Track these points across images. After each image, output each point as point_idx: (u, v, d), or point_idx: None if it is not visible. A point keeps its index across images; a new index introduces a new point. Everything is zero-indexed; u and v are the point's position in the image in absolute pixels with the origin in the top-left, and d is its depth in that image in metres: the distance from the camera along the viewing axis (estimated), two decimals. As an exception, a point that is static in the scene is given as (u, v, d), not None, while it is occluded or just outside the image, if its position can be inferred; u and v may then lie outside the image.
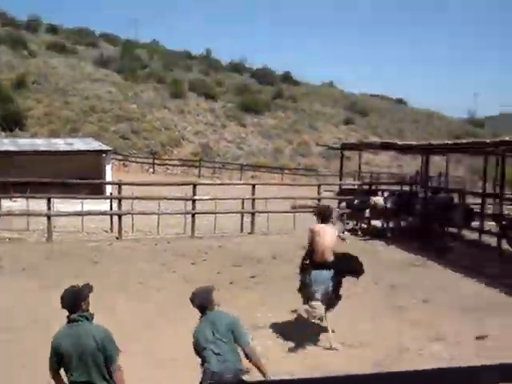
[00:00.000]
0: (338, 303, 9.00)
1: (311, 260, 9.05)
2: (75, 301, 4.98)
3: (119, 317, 9.52)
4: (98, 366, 4.86)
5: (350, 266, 9.27)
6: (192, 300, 5.83)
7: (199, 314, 5.81)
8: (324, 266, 8.77)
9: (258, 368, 5.61)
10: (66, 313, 5.01)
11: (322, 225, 9.19)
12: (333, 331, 8.69)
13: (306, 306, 8.57)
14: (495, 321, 9.79)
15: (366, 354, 8.22)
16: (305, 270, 9.12)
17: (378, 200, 18.75)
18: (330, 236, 9.01)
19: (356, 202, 19.39)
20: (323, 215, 9.36)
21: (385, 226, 19.01)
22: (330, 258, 8.87)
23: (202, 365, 5.59)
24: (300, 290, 9.16)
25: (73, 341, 4.86)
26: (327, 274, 8.72)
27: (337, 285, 8.88)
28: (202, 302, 5.75)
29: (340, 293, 9.03)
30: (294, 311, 9.66)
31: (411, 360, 8.04)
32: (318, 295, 8.52)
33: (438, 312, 10.35)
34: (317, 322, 9.06)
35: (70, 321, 4.99)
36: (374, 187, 22.81)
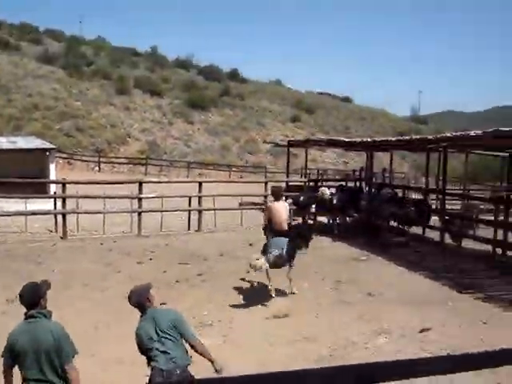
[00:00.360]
0: (292, 264, 11.37)
1: (271, 229, 11.35)
2: (34, 297, 4.94)
3: (63, 318, 9.32)
4: (52, 363, 4.79)
5: (302, 231, 12.54)
6: (129, 298, 5.77)
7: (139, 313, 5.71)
8: (281, 233, 11.13)
9: (208, 358, 5.61)
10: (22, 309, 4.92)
11: (277, 202, 11.62)
12: (290, 280, 11.21)
13: (251, 261, 10.61)
14: (438, 314, 10.00)
15: (311, 348, 8.28)
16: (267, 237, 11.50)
17: (325, 190, 18.98)
18: (284, 210, 11.51)
19: (302, 198, 19.50)
20: (277, 194, 11.89)
21: (331, 222, 19.21)
22: (285, 227, 11.37)
23: (149, 364, 5.52)
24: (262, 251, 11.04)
25: (30, 337, 4.79)
26: (284, 240, 10.97)
27: (291, 250, 11.11)
28: (139, 299, 5.67)
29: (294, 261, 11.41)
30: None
31: (356, 354, 8.14)
32: (270, 256, 10.68)
33: (383, 306, 10.50)
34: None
35: (27, 317, 4.92)
36: (320, 184, 23.00)
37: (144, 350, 5.54)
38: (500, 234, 14.99)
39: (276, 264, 10.94)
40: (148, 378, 5.52)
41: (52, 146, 24.38)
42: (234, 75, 68.78)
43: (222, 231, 18.20)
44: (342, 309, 10.36)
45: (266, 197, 20.03)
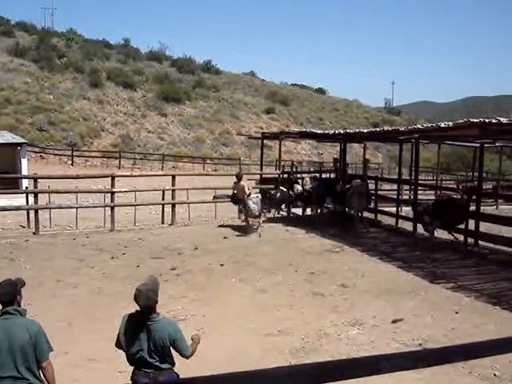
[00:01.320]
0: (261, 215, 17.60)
1: (236, 198, 17.57)
2: (10, 295, 4.88)
3: (35, 315, 9.25)
4: (27, 360, 4.73)
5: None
6: (136, 298, 5.09)
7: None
8: (241, 200, 17.23)
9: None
10: None
11: (238, 182, 17.41)
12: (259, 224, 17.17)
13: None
14: (411, 304, 10.12)
15: (285, 341, 8.30)
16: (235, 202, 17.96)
17: (298, 187, 19.30)
18: (242, 187, 17.19)
19: (278, 195, 19.63)
20: (238, 177, 17.55)
21: (311, 212, 19.41)
22: (242, 196, 17.05)
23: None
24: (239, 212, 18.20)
25: (5, 334, 4.73)
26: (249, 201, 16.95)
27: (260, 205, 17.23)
28: (148, 303, 5.10)
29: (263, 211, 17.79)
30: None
31: (330, 345, 8.19)
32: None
33: (356, 297, 10.59)
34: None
35: (2, 314, 4.87)
36: (292, 176, 23.02)
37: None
38: (472, 224, 15.17)
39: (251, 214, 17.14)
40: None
41: (23, 141, 24.08)
42: (207, 67, 68.52)
43: (196, 224, 18.17)
44: (316, 301, 10.41)
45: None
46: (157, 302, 5.16)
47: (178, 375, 5.29)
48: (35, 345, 4.77)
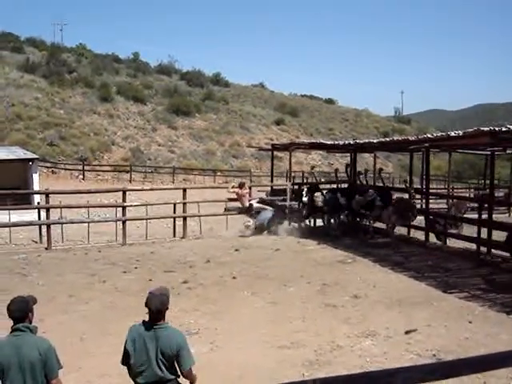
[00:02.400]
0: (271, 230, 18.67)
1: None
2: (22, 311, 4.89)
3: (47, 330, 9.27)
4: (35, 378, 4.73)
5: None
6: (149, 300, 5.20)
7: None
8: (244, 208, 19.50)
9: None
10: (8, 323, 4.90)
11: (240, 189, 19.44)
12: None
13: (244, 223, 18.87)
14: (423, 314, 10.05)
15: (298, 353, 8.26)
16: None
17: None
18: (244, 194, 19.30)
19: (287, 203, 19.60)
20: (241, 185, 19.65)
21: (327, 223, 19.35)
22: (246, 204, 19.37)
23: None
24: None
25: (15, 351, 4.72)
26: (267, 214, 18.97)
27: (271, 221, 18.72)
28: (161, 308, 5.17)
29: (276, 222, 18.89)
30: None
31: (343, 357, 8.15)
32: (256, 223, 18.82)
33: (368, 308, 10.54)
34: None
35: (13, 331, 4.86)
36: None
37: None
38: (484, 232, 15.07)
39: (260, 229, 18.52)
40: None
41: (35, 156, 24.23)
42: (216, 79, 68.80)
43: (207, 237, 18.18)
44: (328, 312, 10.36)
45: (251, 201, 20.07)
46: (167, 309, 5.18)
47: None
48: (45, 362, 4.77)
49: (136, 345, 5.07)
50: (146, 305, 5.13)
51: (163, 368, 5.02)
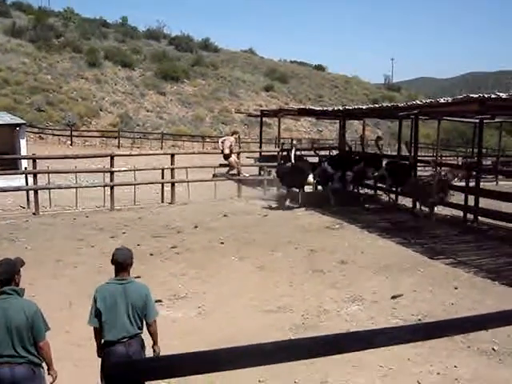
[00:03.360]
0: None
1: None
2: (9, 274, 4.91)
3: (36, 295, 9.29)
4: (23, 340, 4.79)
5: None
6: (113, 255, 5.52)
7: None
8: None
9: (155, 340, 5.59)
10: None
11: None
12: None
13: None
14: (410, 280, 10.16)
15: (285, 317, 8.35)
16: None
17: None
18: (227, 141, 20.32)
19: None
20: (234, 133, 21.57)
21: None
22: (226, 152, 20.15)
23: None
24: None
25: (1, 313, 4.78)
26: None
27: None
28: (126, 261, 5.48)
29: None
30: None
31: (329, 321, 8.24)
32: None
33: (355, 273, 10.64)
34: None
35: (0, 293, 4.88)
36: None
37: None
38: (471, 200, 15.17)
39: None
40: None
41: (22, 121, 23.97)
42: (205, 45, 68.01)
43: (195, 203, 18.17)
44: (316, 277, 10.45)
45: (239, 167, 20.07)
46: (131, 265, 5.44)
47: (143, 341, 5.41)
48: (32, 325, 4.82)
49: (107, 302, 5.23)
50: (114, 260, 5.40)
51: (133, 321, 5.23)
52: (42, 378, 4.99)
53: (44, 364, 5.04)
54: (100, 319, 5.27)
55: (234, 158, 20.19)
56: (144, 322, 5.39)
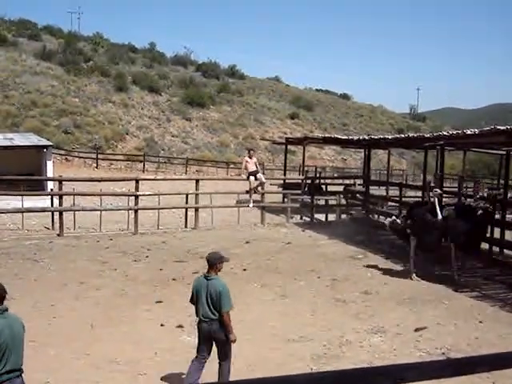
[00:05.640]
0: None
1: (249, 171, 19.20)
2: (2, 293, 5.19)
3: (57, 316, 9.33)
4: (20, 351, 5.08)
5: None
6: (209, 255, 7.00)
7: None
8: (252, 173, 19.20)
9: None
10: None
11: (250, 158, 19.42)
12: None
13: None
14: (434, 312, 10.01)
15: (306, 347, 8.26)
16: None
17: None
18: (253, 162, 19.32)
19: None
20: (250, 152, 20.21)
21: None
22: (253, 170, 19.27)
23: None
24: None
25: (9, 330, 5.00)
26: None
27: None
28: (213, 260, 6.85)
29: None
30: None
31: (351, 352, 8.14)
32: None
33: (378, 304, 10.51)
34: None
35: (2, 311, 5.11)
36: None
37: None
38: (497, 233, 14.96)
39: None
40: None
41: (49, 143, 24.31)
42: (232, 72, 68.61)
43: (218, 229, 18.18)
44: (338, 307, 10.35)
45: (263, 194, 20.00)
46: (218, 265, 6.81)
47: (222, 323, 6.72)
48: (23, 338, 5.17)
49: (196, 291, 6.79)
50: (206, 260, 6.92)
51: (211, 308, 6.66)
52: None
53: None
54: (193, 300, 6.89)
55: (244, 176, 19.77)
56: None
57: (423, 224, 12.41)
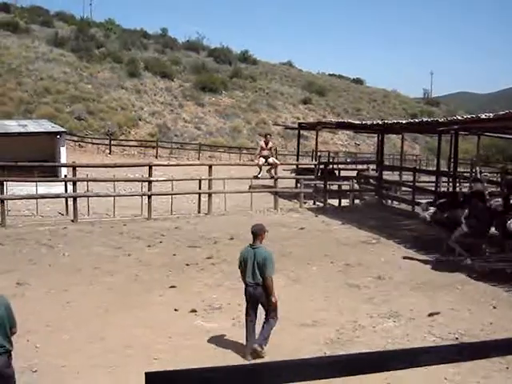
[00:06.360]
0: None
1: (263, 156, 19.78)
2: None
3: (71, 301, 9.40)
4: (5, 329, 5.33)
5: None
6: (253, 226, 7.74)
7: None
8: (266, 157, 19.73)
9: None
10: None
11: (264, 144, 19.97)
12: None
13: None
14: (447, 298, 9.98)
15: (320, 332, 8.28)
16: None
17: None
18: (270, 147, 20.09)
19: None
20: (267, 137, 20.55)
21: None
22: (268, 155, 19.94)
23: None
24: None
25: None
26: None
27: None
28: (257, 231, 7.62)
29: None
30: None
31: (365, 337, 8.14)
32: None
33: (392, 289, 10.50)
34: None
35: None
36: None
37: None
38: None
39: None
40: None
41: (62, 130, 24.41)
42: (244, 57, 68.34)
43: (232, 214, 18.20)
44: (351, 292, 10.35)
45: (276, 180, 20.00)
46: (262, 234, 7.59)
47: (263, 289, 7.44)
48: (8, 316, 5.38)
49: (244, 258, 7.54)
50: (251, 231, 7.64)
51: (256, 274, 7.40)
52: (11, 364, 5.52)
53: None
54: (241, 266, 7.65)
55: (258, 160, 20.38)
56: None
57: (479, 212, 12.40)
